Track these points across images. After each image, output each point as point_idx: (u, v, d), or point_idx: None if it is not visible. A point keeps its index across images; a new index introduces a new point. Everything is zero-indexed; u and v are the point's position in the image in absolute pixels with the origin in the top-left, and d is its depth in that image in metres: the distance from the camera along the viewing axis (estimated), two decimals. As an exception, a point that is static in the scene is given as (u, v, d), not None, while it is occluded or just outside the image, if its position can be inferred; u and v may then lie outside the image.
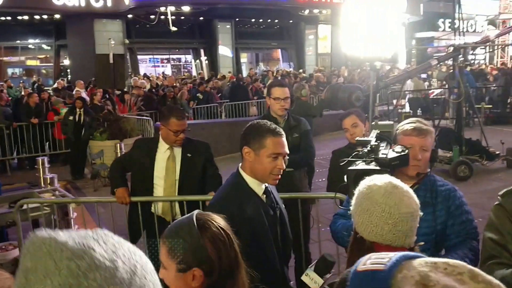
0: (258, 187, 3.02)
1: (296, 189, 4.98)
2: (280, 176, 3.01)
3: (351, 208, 2.10)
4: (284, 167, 3.00)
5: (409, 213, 1.95)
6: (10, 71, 27.78)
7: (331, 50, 29.72)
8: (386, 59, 7.36)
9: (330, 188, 4.86)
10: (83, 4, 22.38)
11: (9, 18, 23.79)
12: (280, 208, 3.18)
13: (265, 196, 3.05)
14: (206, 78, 22.20)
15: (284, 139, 2.99)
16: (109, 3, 22.67)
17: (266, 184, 3.07)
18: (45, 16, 23.76)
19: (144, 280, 0.96)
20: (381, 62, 8.37)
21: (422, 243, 2.18)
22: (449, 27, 25.58)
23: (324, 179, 6.07)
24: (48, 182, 6.65)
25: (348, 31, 6.79)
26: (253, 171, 2.98)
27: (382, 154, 2.76)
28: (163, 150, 4.78)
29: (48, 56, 27.44)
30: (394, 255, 1.12)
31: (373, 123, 3.46)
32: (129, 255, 0.96)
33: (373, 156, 2.75)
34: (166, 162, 4.76)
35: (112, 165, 5.27)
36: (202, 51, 28.39)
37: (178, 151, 4.80)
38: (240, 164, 3.09)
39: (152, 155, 4.78)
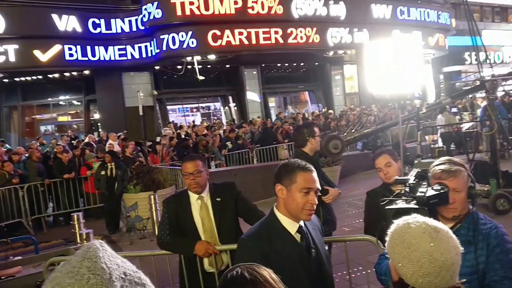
0: (292, 226, 3.10)
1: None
2: (313, 211, 3.08)
3: (391, 257, 2.06)
4: (317, 202, 3.07)
5: (458, 254, 1.94)
6: (42, 128, 28.33)
7: (359, 89, 29.75)
8: (412, 97, 7.37)
9: (367, 230, 4.78)
10: (111, 58, 22.89)
11: (40, 77, 24.40)
12: (318, 249, 3.19)
13: (299, 235, 3.11)
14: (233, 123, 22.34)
15: (314, 174, 3.07)
16: (136, 56, 23.15)
17: (302, 224, 3.14)
18: (74, 73, 24.30)
19: None
20: (407, 100, 8.39)
21: (464, 279, 2.12)
22: (475, 60, 25.54)
23: (360, 220, 5.99)
24: (84, 237, 6.65)
25: (372, 71, 6.84)
26: (287, 208, 3.08)
27: (421, 192, 2.72)
28: (194, 201, 4.75)
29: (78, 111, 27.95)
30: None
31: (416, 161, 3.43)
32: None
33: (412, 195, 2.72)
34: (199, 212, 4.72)
35: (163, 239, 4.82)
36: (230, 98, 28.64)
37: (207, 199, 4.76)
38: (275, 204, 3.18)
39: (188, 209, 4.73)
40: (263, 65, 27.85)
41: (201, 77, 22.71)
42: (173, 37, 21.62)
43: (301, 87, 31.65)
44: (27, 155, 15.27)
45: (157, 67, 24.54)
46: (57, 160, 14.37)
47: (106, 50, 22.71)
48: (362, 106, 26.12)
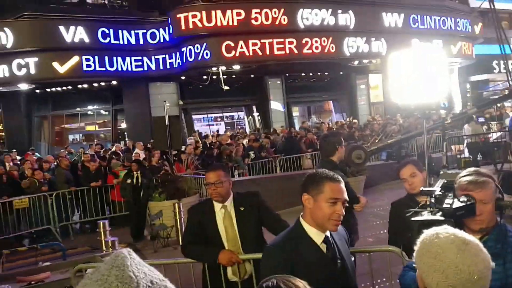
0: (317, 236, 3.08)
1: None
2: (340, 221, 3.06)
3: (418, 267, 2.04)
4: (344, 212, 3.04)
5: (486, 268, 1.89)
6: (71, 137, 28.75)
7: (384, 98, 29.51)
8: (437, 107, 7.32)
9: (391, 241, 4.74)
10: (141, 69, 23.08)
11: (70, 87, 24.75)
12: (344, 260, 3.17)
13: (325, 246, 3.09)
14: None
15: (342, 185, 3.06)
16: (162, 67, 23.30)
17: (328, 234, 3.12)
18: (103, 83, 24.55)
19: None
20: (432, 110, 8.31)
21: None
22: (504, 68, 25.11)
23: (384, 231, 5.96)
24: (110, 245, 6.72)
25: (395, 81, 6.82)
26: (313, 218, 3.06)
27: (447, 204, 2.69)
28: (217, 210, 4.77)
29: (106, 121, 28.26)
30: None
31: (441, 172, 3.39)
32: None
33: (437, 206, 2.68)
34: (223, 221, 4.74)
35: (188, 246, 4.91)
36: (254, 107, 28.68)
37: (231, 208, 4.79)
38: (301, 213, 3.16)
39: (212, 217, 4.76)
40: (287, 74, 27.83)
41: (226, 87, 22.78)
42: (190, 49, 21.78)
43: (325, 96, 31.51)
44: (56, 163, 15.56)
45: (183, 78, 24.68)
46: (84, 168, 14.56)
47: (124, 60, 22.76)
48: (387, 116, 25.92)
